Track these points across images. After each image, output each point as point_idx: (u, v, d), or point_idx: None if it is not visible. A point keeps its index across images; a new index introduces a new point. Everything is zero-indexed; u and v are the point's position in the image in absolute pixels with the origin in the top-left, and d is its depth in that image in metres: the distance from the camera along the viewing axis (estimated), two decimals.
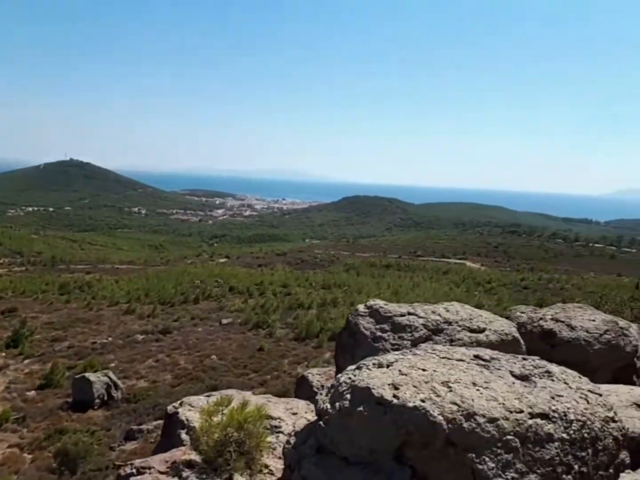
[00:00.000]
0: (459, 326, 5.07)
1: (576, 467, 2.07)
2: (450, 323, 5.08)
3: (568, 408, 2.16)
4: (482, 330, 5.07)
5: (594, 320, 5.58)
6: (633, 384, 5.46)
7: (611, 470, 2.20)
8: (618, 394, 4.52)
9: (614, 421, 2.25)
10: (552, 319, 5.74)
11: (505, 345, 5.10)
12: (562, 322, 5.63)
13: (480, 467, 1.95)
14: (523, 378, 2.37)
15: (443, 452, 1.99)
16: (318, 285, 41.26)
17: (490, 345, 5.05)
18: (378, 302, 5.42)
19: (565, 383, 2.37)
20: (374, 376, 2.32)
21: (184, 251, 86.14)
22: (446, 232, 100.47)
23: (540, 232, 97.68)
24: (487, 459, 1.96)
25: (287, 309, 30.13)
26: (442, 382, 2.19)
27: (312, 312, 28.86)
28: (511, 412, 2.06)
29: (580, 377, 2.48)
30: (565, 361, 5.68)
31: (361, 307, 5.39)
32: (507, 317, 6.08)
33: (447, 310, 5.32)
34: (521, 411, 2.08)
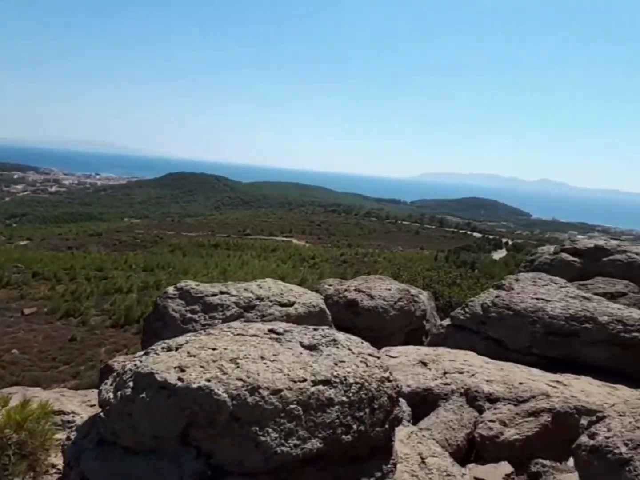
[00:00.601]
0: (271, 302, 5.18)
1: (355, 426, 2.24)
2: (262, 299, 5.16)
3: (348, 372, 2.32)
4: (292, 304, 5.25)
5: (389, 290, 6.19)
6: (422, 343, 6.22)
7: (386, 426, 2.42)
8: (407, 354, 5.10)
9: (389, 380, 2.48)
10: (355, 290, 6.21)
11: (313, 316, 5.37)
12: (364, 292, 6.14)
13: (263, 438, 1.98)
14: (311, 348, 2.48)
15: (228, 428, 1.98)
16: (139, 267, 38.99)
17: (299, 317, 5.27)
18: (189, 283, 5.25)
19: (349, 349, 2.54)
20: (160, 360, 2.20)
21: None
22: (273, 211, 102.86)
23: (357, 211, 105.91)
24: (270, 430, 2.00)
25: (103, 294, 27.87)
26: (230, 360, 2.17)
27: (133, 297, 27.18)
28: (295, 381, 2.13)
29: (362, 343, 2.68)
30: (368, 327, 6.23)
31: (171, 289, 5.17)
32: (317, 290, 6.42)
33: (260, 287, 5.40)
34: (304, 380, 2.16)
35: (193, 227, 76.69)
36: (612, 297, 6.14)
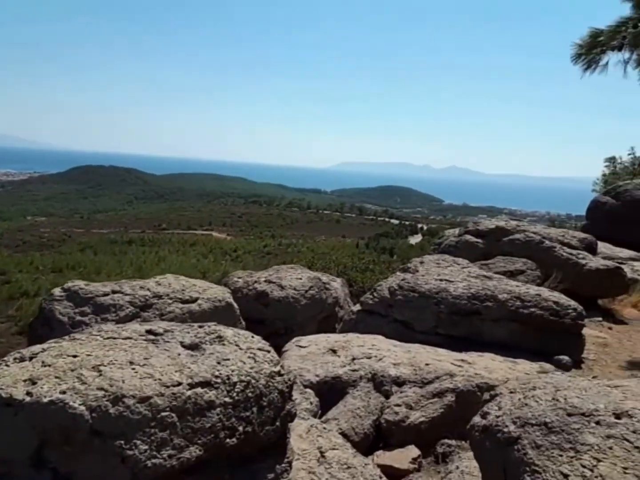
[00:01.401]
0: (170, 299, 4.86)
1: (241, 428, 2.06)
2: (160, 297, 4.83)
3: (233, 370, 2.13)
4: (194, 300, 4.97)
5: (300, 279, 6.06)
6: (334, 330, 6.16)
7: (278, 423, 2.27)
8: (317, 342, 4.99)
9: (280, 375, 2.32)
10: (265, 281, 6.02)
11: (219, 311, 5.13)
12: (274, 282, 5.97)
13: (130, 452, 1.75)
14: (193, 347, 2.26)
15: (88, 444, 1.73)
16: (47, 269, 36.29)
17: (204, 313, 5.01)
18: (78, 283, 4.80)
19: (237, 345, 2.35)
20: (8, 374, 1.89)
21: None
22: (191, 204, 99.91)
23: (279, 202, 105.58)
24: (138, 442, 1.77)
25: (6, 299, 25.64)
26: (92, 367, 1.91)
27: (40, 301, 25.22)
28: (168, 386, 1.91)
29: (253, 337, 2.50)
30: (279, 318, 6.07)
31: (57, 291, 4.70)
32: (225, 284, 6.16)
33: (159, 284, 5.06)
34: (179, 383, 1.95)
35: (104, 224, 72.69)
36: (512, 275, 6.41)
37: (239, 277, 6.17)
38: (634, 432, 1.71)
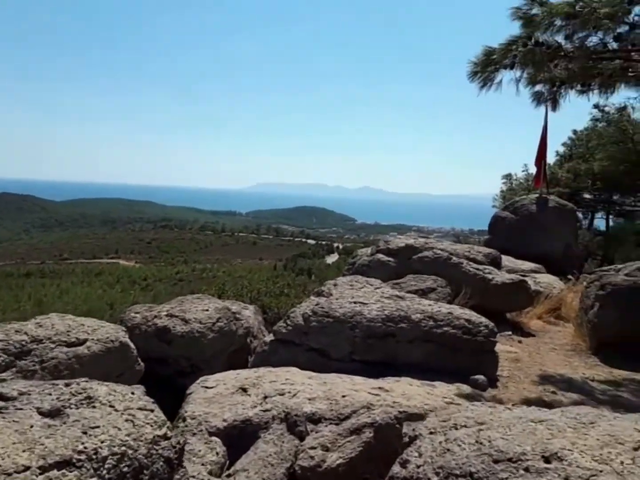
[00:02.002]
0: (53, 342, 4.23)
1: None
2: (41, 341, 4.19)
3: (103, 441, 1.72)
4: (82, 342, 4.37)
5: (207, 310, 5.61)
6: (246, 365, 5.75)
7: None
8: (226, 381, 4.56)
9: (166, 438, 1.94)
10: (167, 315, 5.50)
11: (112, 353, 4.55)
12: (177, 316, 5.46)
13: None
14: (53, 414, 1.82)
15: None
16: None
17: (94, 357, 4.42)
18: None
19: (111, 406, 1.93)
20: None
21: None
22: (95, 231, 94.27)
23: (191, 225, 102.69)
24: None
25: None
26: None
27: None
28: (10, 474, 1.47)
29: (132, 394, 2.09)
30: (183, 355, 5.56)
31: None
32: (121, 321, 5.56)
33: (40, 326, 4.40)
34: (27, 468, 1.51)
35: None
36: (424, 293, 6.39)
37: (137, 312, 5.59)
38: (565, 478, 1.52)
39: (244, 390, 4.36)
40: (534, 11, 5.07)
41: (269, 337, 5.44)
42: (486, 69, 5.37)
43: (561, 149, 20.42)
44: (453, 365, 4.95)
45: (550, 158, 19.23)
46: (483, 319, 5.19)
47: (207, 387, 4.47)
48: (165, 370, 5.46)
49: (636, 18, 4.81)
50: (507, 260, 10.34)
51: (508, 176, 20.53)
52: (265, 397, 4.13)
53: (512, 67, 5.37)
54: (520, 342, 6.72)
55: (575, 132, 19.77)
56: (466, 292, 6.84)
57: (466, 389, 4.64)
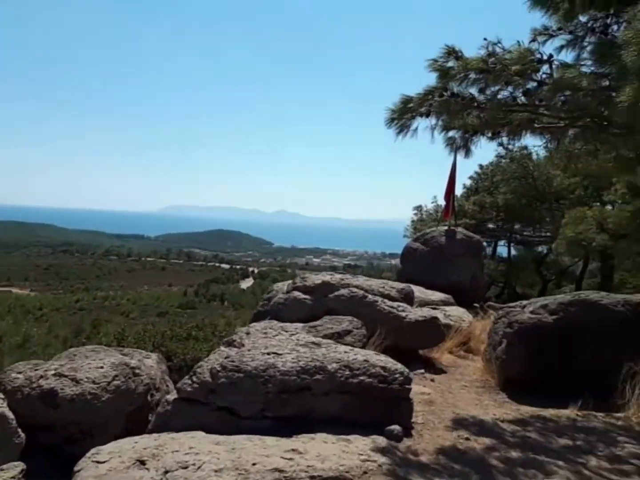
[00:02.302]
0: None
1: None
2: None
3: None
4: None
5: (102, 367, 5.02)
6: (146, 424, 5.20)
7: None
8: (122, 452, 4.03)
9: None
10: (55, 375, 4.85)
11: None
12: (67, 376, 4.83)
13: None
14: None
15: None
16: None
17: None
18: None
19: None
20: None
21: None
22: None
23: (94, 250, 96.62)
24: None
25: None
26: None
27: None
28: None
29: None
30: (73, 422, 4.91)
31: None
32: (1, 382, 4.83)
33: None
34: None
35: None
36: (340, 336, 6.23)
37: (19, 372, 4.88)
38: None
39: (142, 463, 3.88)
40: (450, 64, 5.24)
41: (172, 395, 4.95)
42: (403, 116, 5.45)
43: (468, 182, 21.66)
44: (369, 416, 4.78)
45: (458, 190, 20.33)
46: (399, 366, 5.09)
47: (98, 462, 3.93)
48: (52, 438, 4.79)
49: (544, 76, 5.10)
50: (418, 291, 10.54)
51: (419, 207, 21.42)
52: (166, 472, 3.69)
53: (427, 115, 5.50)
54: (432, 380, 6.74)
55: (481, 166, 21.11)
56: (381, 332, 6.78)
57: (382, 441, 4.49)
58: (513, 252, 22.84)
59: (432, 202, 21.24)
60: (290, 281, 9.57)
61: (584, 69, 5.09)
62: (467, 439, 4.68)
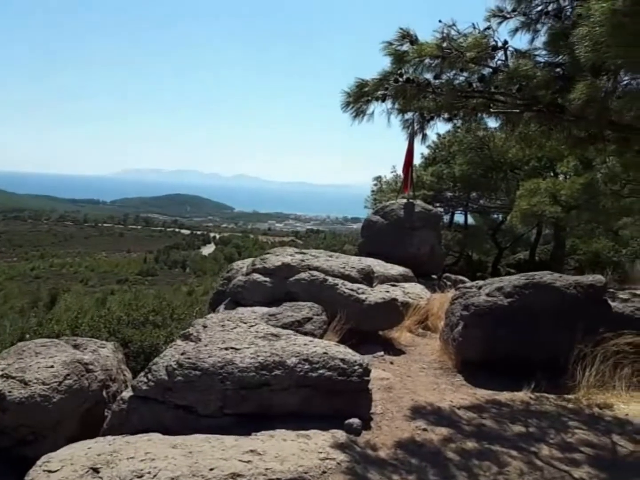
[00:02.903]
0: None
1: None
2: None
3: None
4: None
5: (52, 367, 4.83)
6: (103, 419, 5.10)
7: None
8: (74, 459, 3.91)
9: None
10: (1, 377, 4.64)
11: None
12: (14, 377, 4.63)
13: None
14: None
15: None
16: None
17: None
18: None
19: None
20: None
21: None
22: None
23: (48, 216, 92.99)
24: None
25: None
26: None
27: None
28: None
29: None
30: (22, 425, 4.74)
31: None
32: None
33: None
34: None
35: None
36: (300, 324, 6.21)
37: None
38: None
39: (96, 471, 3.79)
40: (405, 48, 5.09)
41: (128, 393, 4.84)
42: (359, 100, 5.31)
43: (426, 152, 21.70)
44: (328, 409, 4.81)
45: (417, 160, 20.37)
46: (357, 357, 5.11)
47: (50, 471, 3.81)
48: (2, 441, 4.63)
49: (499, 62, 5.03)
50: (378, 264, 10.59)
51: (378, 178, 21.37)
52: None
53: (383, 100, 5.38)
54: (392, 363, 6.84)
55: (439, 135, 21.14)
56: (341, 316, 6.80)
57: (341, 436, 4.52)
58: (470, 220, 23.29)
59: (392, 172, 21.27)
60: (249, 260, 9.46)
61: (538, 59, 5.07)
62: (424, 429, 4.77)
